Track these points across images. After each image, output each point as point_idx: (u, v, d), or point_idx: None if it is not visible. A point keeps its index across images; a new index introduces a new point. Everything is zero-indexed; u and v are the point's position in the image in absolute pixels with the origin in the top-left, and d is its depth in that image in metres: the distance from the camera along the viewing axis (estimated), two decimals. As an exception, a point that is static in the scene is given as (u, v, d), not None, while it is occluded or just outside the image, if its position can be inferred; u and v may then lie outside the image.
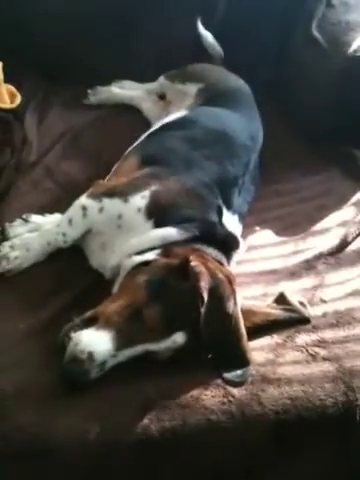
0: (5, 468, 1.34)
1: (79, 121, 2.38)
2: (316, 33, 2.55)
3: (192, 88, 2.33)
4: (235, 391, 1.46)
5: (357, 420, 1.49)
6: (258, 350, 1.56)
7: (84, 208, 1.73)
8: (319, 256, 1.93)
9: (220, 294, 1.47)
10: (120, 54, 2.56)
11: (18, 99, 2.29)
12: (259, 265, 1.89)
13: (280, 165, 2.31)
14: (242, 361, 1.50)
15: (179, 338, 1.45)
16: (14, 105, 2.27)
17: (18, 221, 1.81)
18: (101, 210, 1.72)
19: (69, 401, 1.39)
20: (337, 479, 1.59)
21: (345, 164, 2.37)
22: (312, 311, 1.70)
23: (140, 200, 1.69)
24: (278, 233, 2.04)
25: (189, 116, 2.13)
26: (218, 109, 2.17)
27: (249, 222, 2.01)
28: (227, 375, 1.48)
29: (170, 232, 1.64)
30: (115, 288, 1.60)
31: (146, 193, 1.70)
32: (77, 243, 1.77)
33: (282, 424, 1.44)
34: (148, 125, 2.31)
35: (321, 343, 1.61)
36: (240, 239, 1.78)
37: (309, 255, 1.93)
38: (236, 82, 2.37)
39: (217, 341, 1.47)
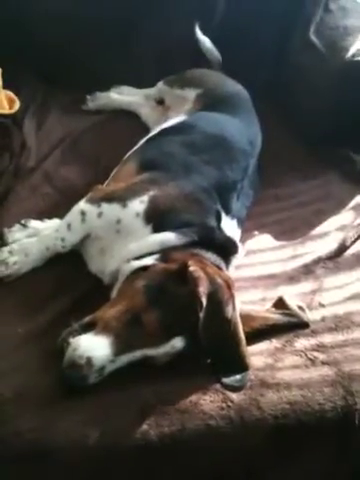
0: (5, 473, 1.33)
1: (78, 126, 2.38)
2: (314, 38, 2.56)
3: (191, 93, 2.33)
4: (234, 396, 1.46)
5: (356, 424, 1.49)
6: (257, 355, 1.56)
7: (83, 213, 1.74)
8: (318, 260, 1.93)
9: (219, 299, 1.47)
10: (120, 56, 2.57)
11: (17, 104, 2.29)
12: (258, 270, 1.89)
13: (279, 169, 2.32)
14: (241, 366, 1.50)
15: (178, 343, 1.45)
16: (13, 110, 2.27)
17: (17, 226, 1.82)
18: (100, 215, 1.72)
19: (68, 406, 1.39)
20: (336, 483, 1.59)
21: (343, 168, 2.38)
22: (311, 315, 1.70)
23: (139, 205, 1.70)
24: (277, 237, 2.04)
25: (188, 121, 2.13)
26: (217, 114, 2.17)
27: (248, 226, 2.01)
28: (226, 380, 1.48)
29: (169, 237, 1.64)
30: (114, 293, 1.60)
31: (145, 198, 1.70)
32: (76, 248, 1.77)
33: (281, 429, 1.44)
34: (147, 130, 2.31)
35: (320, 347, 1.61)
36: (239, 244, 1.79)
37: (308, 259, 1.93)
38: (234, 87, 2.37)
39: (216, 346, 1.47)
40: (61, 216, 1.81)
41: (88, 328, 1.46)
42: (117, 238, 1.70)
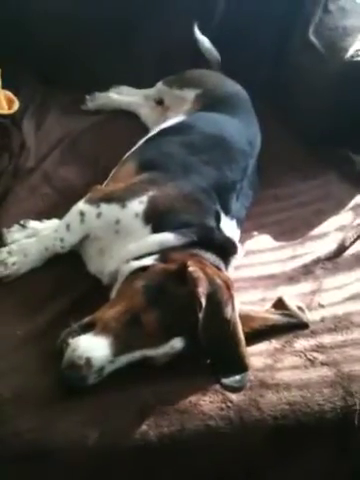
0: (4, 473, 1.33)
1: (77, 126, 2.38)
2: (313, 38, 2.56)
3: (190, 94, 2.33)
4: (233, 396, 1.45)
5: (355, 425, 1.49)
6: (256, 355, 1.56)
7: (82, 213, 1.73)
8: (317, 261, 1.93)
9: (218, 299, 1.47)
10: (119, 56, 2.57)
11: (16, 105, 2.29)
12: (257, 270, 1.89)
13: (278, 169, 2.32)
14: (240, 366, 1.50)
15: (177, 343, 1.45)
16: (12, 111, 2.27)
17: (16, 227, 1.81)
18: (99, 215, 1.72)
19: (67, 406, 1.39)
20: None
21: (343, 168, 2.38)
22: (310, 316, 1.70)
23: (138, 205, 1.69)
24: (276, 238, 2.04)
25: (187, 121, 2.13)
26: (216, 114, 2.17)
27: (247, 227, 2.01)
28: (225, 380, 1.48)
29: (168, 237, 1.64)
30: (113, 293, 1.60)
31: (144, 198, 1.70)
32: (75, 248, 1.77)
33: (281, 429, 1.44)
34: (146, 130, 2.31)
35: (319, 348, 1.60)
36: (238, 244, 1.78)
37: (307, 260, 1.93)
38: (233, 87, 2.37)
39: (215, 346, 1.47)
40: (60, 216, 1.81)
41: (87, 329, 1.45)
42: (116, 238, 1.70)
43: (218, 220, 1.80)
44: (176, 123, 2.14)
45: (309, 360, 1.57)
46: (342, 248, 1.99)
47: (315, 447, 1.48)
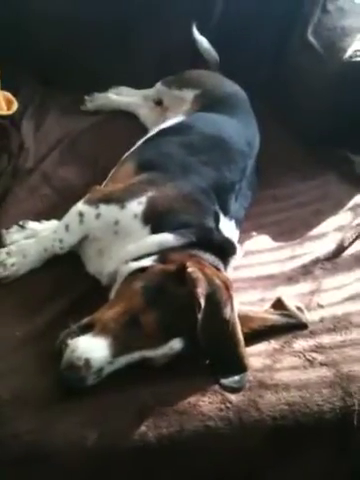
0: (3, 475, 1.33)
1: (76, 127, 2.38)
2: (311, 38, 2.56)
3: (189, 94, 2.33)
4: (233, 397, 1.45)
5: (355, 425, 1.49)
6: (255, 356, 1.56)
7: (81, 214, 1.73)
8: (316, 261, 1.93)
9: (217, 300, 1.47)
10: (119, 57, 2.57)
11: (15, 105, 2.29)
12: (256, 270, 1.89)
13: (277, 169, 2.32)
14: (239, 367, 1.50)
15: (176, 344, 1.45)
16: (11, 111, 2.27)
17: (15, 227, 1.81)
18: (98, 216, 1.72)
19: (66, 407, 1.38)
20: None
21: (341, 168, 2.38)
22: (309, 316, 1.70)
23: (137, 206, 1.69)
24: (275, 238, 2.04)
25: (186, 122, 2.13)
26: (215, 115, 2.17)
27: (246, 227, 2.01)
28: (224, 381, 1.48)
29: (167, 238, 1.64)
30: (112, 294, 1.60)
31: (143, 199, 1.70)
32: (74, 249, 1.77)
33: (280, 430, 1.44)
34: (145, 131, 2.30)
35: (318, 348, 1.60)
36: (237, 244, 1.78)
37: (306, 260, 1.93)
38: (232, 88, 2.37)
39: (214, 347, 1.47)
40: (59, 217, 1.81)
41: (86, 330, 1.45)
42: (115, 239, 1.70)
43: (217, 221, 1.80)
44: (175, 123, 2.14)
45: (308, 360, 1.57)
46: (341, 248, 1.99)
47: (314, 447, 1.48)
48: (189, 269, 1.48)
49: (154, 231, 1.67)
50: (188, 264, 1.49)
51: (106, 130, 2.39)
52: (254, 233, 2.04)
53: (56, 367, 1.41)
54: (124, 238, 1.68)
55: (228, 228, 1.85)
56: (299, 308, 1.70)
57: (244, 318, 1.56)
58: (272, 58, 2.70)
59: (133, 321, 1.44)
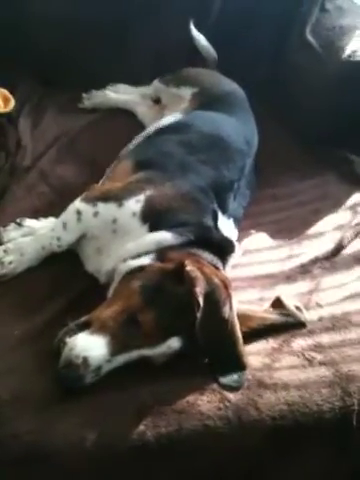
0: (2, 475, 1.33)
1: (74, 125, 2.37)
2: (310, 37, 2.56)
3: (187, 92, 2.32)
4: (231, 396, 1.45)
5: (354, 425, 1.49)
6: (254, 355, 1.56)
7: (79, 212, 1.73)
8: (315, 260, 1.93)
9: (216, 299, 1.47)
10: (116, 56, 2.56)
11: (12, 103, 2.28)
12: (255, 269, 1.89)
13: (276, 169, 2.31)
14: (238, 366, 1.50)
15: (174, 343, 1.45)
16: (8, 109, 2.26)
17: (12, 225, 1.81)
18: (96, 214, 1.71)
19: (65, 407, 1.38)
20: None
21: (340, 168, 2.38)
22: (308, 315, 1.69)
23: (135, 204, 1.69)
24: (274, 237, 2.03)
25: (184, 120, 2.12)
26: (213, 113, 2.16)
27: (245, 226, 2.00)
28: (223, 380, 1.47)
29: (165, 236, 1.63)
30: (110, 293, 1.59)
31: (141, 197, 1.70)
32: (72, 247, 1.76)
33: (279, 429, 1.44)
34: (143, 129, 2.29)
35: (317, 348, 1.60)
36: (235, 243, 1.78)
37: (305, 259, 1.93)
38: (230, 86, 2.37)
39: (213, 346, 1.46)
40: (57, 215, 1.80)
41: (84, 328, 1.45)
42: (113, 238, 1.69)
43: (215, 219, 1.79)
44: (173, 122, 2.13)
45: (307, 360, 1.56)
46: (340, 247, 1.99)
47: (314, 447, 1.47)
48: (187, 268, 1.47)
49: (152, 229, 1.66)
50: (186, 263, 1.49)
51: (104, 128, 2.38)
52: (253, 232, 2.03)
53: (54, 366, 1.41)
54: (122, 236, 1.68)
55: (227, 227, 1.84)
56: (298, 307, 1.69)
57: (243, 317, 1.56)
58: (270, 57, 2.69)
59: (131, 319, 1.44)
